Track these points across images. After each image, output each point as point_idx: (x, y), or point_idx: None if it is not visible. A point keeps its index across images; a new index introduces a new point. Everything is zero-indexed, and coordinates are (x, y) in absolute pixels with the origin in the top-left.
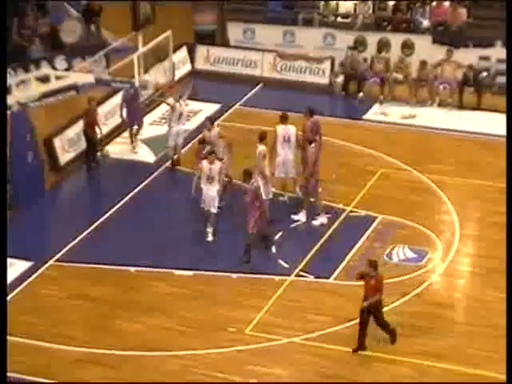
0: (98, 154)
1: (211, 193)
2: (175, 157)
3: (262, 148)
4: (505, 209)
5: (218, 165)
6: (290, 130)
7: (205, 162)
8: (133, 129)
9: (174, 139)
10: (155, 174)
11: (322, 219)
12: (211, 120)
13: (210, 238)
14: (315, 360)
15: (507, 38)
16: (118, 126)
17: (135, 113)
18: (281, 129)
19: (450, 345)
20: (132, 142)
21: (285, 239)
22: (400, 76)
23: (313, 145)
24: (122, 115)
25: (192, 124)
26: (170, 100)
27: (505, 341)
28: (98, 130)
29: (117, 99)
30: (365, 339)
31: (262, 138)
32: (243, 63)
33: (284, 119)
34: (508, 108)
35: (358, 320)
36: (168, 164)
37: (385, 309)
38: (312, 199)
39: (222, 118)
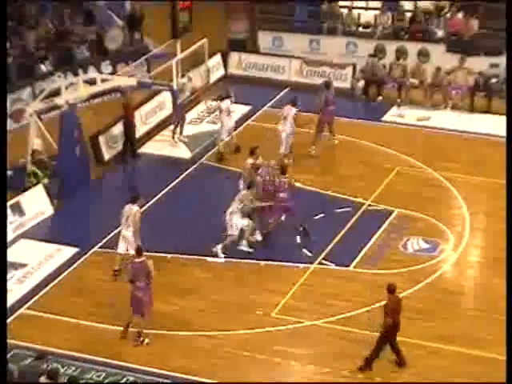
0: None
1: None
2: (228, 148)
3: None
4: None
5: None
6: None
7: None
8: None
9: (227, 133)
10: (191, 168)
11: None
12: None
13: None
14: (335, 341)
15: (507, 38)
16: (157, 124)
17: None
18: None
19: (459, 328)
20: (173, 137)
21: (309, 230)
22: (416, 81)
23: None
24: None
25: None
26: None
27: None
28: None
29: (156, 101)
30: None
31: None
32: (272, 69)
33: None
34: (508, 107)
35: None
36: (216, 155)
37: (400, 295)
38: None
39: (252, 118)
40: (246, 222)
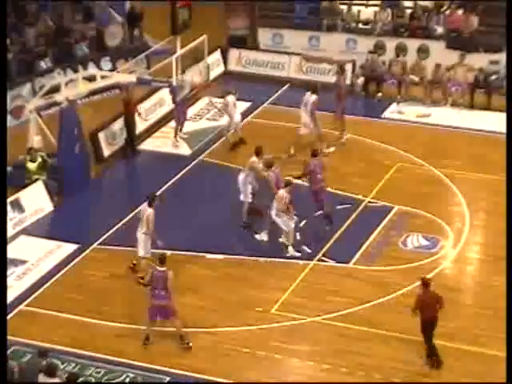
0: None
1: None
2: (235, 139)
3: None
4: None
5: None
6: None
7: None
8: (180, 124)
9: (235, 126)
10: (191, 165)
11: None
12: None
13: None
14: (335, 338)
15: (507, 37)
16: (157, 121)
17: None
18: None
19: (459, 325)
20: (176, 136)
21: (308, 227)
22: (416, 78)
23: None
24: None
25: (224, 120)
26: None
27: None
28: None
29: (156, 98)
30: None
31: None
32: (272, 65)
33: None
34: (508, 105)
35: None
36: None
37: (399, 292)
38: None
39: (252, 114)
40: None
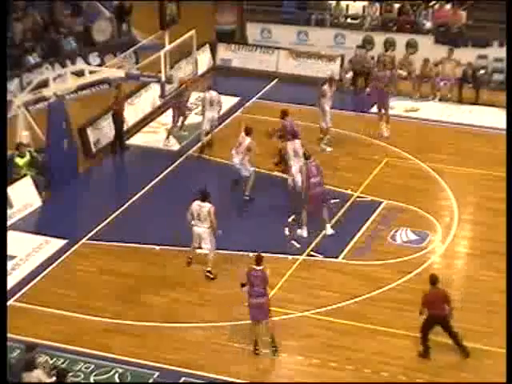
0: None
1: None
2: (205, 140)
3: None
4: (500, 195)
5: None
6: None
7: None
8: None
9: (208, 124)
10: (179, 160)
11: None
12: None
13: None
14: (324, 332)
15: (507, 36)
16: (144, 117)
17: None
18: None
19: None
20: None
21: (297, 221)
22: (404, 73)
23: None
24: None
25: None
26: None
27: (497, 316)
28: (124, 116)
29: (144, 93)
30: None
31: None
32: (260, 60)
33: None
34: (508, 105)
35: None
36: (198, 146)
37: (388, 286)
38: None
39: (241, 110)
40: None
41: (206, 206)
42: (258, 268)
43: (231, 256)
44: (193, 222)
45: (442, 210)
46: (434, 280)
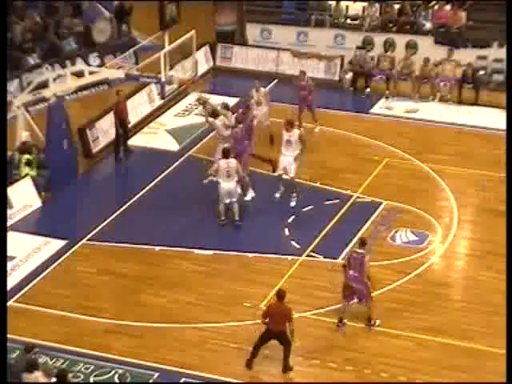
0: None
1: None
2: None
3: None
4: (500, 196)
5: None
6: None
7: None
8: None
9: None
10: (179, 161)
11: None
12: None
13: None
14: (323, 333)
15: (507, 37)
16: (144, 118)
17: None
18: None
19: (447, 320)
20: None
21: (297, 222)
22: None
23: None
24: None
25: None
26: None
27: (497, 317)
28: (127, 120)
29: (144, 93)
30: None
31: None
32: (260, 61)
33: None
34: (508, 105)
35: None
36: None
37: (388, 287)
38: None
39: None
40: None
41: (233, 162)
42: (360, 251)
43: (229, 256)
44: (220, 180)
45: (442, 211)
46: (281, 295)
